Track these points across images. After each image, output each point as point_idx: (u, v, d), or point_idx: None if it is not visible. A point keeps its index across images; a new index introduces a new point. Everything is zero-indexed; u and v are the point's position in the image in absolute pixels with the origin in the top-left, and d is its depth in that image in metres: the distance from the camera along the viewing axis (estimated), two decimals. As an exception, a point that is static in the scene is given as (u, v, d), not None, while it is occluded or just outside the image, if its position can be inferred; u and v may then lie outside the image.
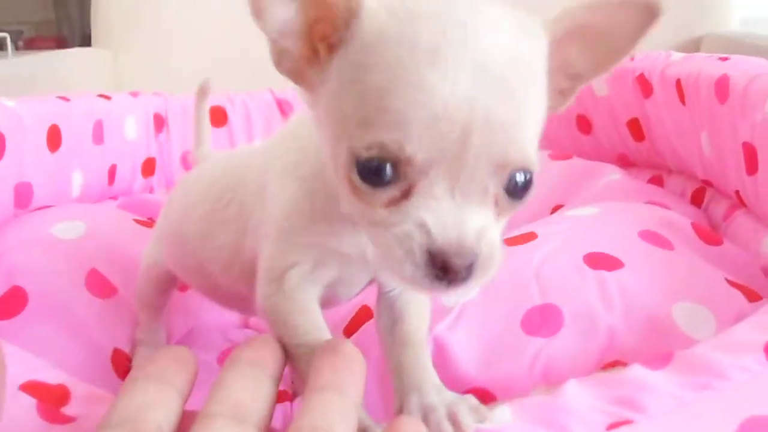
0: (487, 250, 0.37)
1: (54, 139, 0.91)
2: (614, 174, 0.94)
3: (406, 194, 0.36)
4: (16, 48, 2.55)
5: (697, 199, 0.92)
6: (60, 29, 3.64)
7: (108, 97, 1.06)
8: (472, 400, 0.44)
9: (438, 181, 0.36)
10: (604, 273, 0.61)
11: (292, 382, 0.66)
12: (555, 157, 1.01)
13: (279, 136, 0.54)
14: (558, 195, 0.91)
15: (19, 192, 0.85)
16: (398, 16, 0.37)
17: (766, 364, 0.43)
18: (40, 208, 0.89)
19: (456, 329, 0.58)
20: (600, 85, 1.05)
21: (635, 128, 1.01)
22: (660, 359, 0.45)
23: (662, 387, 0.43)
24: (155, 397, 0.38)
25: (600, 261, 0.63)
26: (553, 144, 1.10)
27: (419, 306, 0.51)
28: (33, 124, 0.87)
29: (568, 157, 1.01)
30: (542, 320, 0.58)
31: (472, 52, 0.35)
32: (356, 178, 0.37)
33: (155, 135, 1.16)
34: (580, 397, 0.43)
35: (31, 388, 0.46)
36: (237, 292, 0.57)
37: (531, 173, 0.38)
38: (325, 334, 0.46)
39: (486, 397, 0.53)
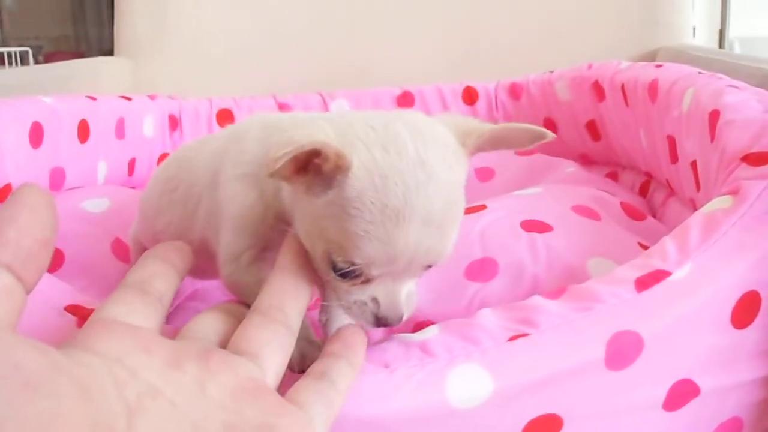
0: (410, 309, 0.53)
1: (83, 131, 1.05)
2: (570, 167, 1.06)
3: (366, 282, 0.51)
4: (36, 62, 2.63)
5: (643, 191, 1.04)
6: (78, 44, 3.77)
7: (129, 98, 1.20)
8: None
9: (387, 278, 0.50)
10: (535, 234, 0.74)
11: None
12: (519, 153, 1.13)
13: (232, 139, 0.62)
14: (518, 185, 1.02)
15: (54, 176, 0.98)
16: (374, 180, 0.47)
17: (634, 293, 0.54)
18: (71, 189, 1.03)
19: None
20: (563, 91, 1.18)
21: (593, 129, 1.14)
22: (556, 292, 0.57)
23: (553, 310, 0.54)
24: (160, 270, 0.49)
25: (534, 226, 0.75)
26: (523, 143, 1.23)
27: None
28: (66, 118, 1.00)
29: (531, 153, 1.13)
30: (481, 270, 0.71)
31: (422, 209, 0.47)
32: (330, 271, 0.50)
33: (170, 133, 1.29)
34: (490, 319, 0.54)
35: (71, 309, 0.55)
36: None
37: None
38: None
39: (431, 326, 0.66)
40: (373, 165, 0.47)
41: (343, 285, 0.51)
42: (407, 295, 0.52)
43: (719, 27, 1.82)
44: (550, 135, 0.54)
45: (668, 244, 0.58)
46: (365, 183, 0.47)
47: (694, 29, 1.58)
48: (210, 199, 0.62)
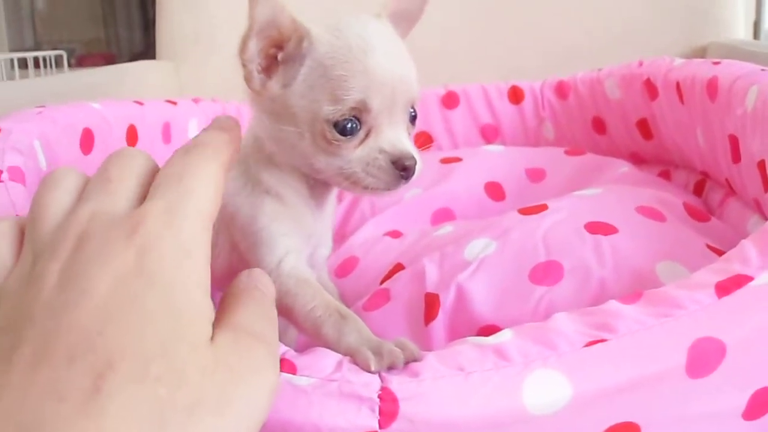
0: (417, 155, 0.59)
1: (132, 137, 1.05)
2: (623, 167, 1.04)
3: (367, 135, 0.57)
4: (69, 65, 2.69)
5: (698, 190, 1.02)
6: (109, 47, 3.81)
7: (174, 103, 1.20)
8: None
9: (382, 121, 0.57)
10: (600, 237, 0.73)
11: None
12: (570, 153, 1.11)
13: None
14: (571, 185, 1.00)
15: (104, 182, 0.99)
16: (336, 35, 0.58)
17: (714, 298, 0.52)
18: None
19: (474, 278, 0.70)
20: (613, 89, 1.16)
21: (644, 128, 1.12)
22: (632, 297, 0.55)
23: (631, 315, 0.52)
24: None
25: (598, 228, 0.74)
26: (571, 143, 1.22)
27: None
28: (115, 123, 1.01)
29: (582, 153, 1.11)
30: (546, 273, 0.70)
31: (378, 43, 0.58)
32: (335, 135, 0.57)
33: (214, 136, 1.29)
34: (566, 323, 0.53)
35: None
36: None
37: (415, 109, 0.62)
38: (328, 295, 0.60)
39: (496, 331, 0.64)
40: (327, 27, 0.59)
41: (350, 147, 0.58)
42: (411, 145, 0.60)
43: (754, 18, 1.78)
44: None
45: (748, 247, 0.56)
46: (327, 37, 0.58)
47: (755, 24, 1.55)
48: (227, 229, 0.65)
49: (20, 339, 0.35)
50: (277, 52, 0.59)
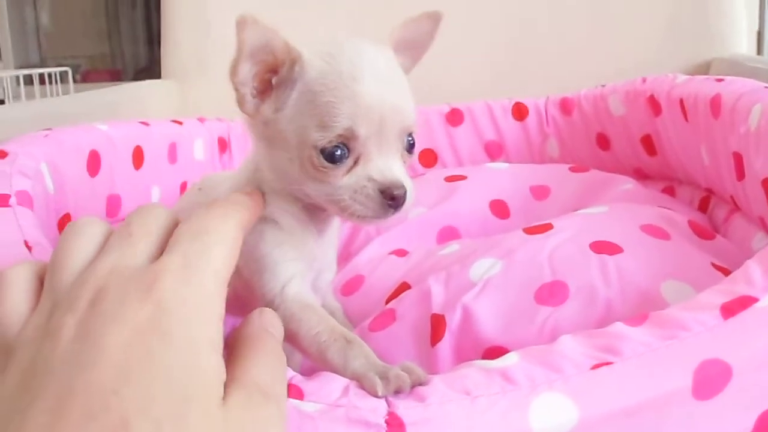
0: (409, 186, 0.58)
1: (138, 158, 1.05)
2: (628, 184, 1.04)
3: (356, 162, 0.57)
4: (74, 81, 2.70)
5: (703, 206, 1.02)
6: (114, 62, 3.81)
7: (180, 122, 1.21)
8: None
9: (372, 149, 0.56)
10: (605, 257, 0.73)
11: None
12: (574, 169, 1.11)
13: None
14: (576, 202, 1.01)
15: (111, 203, 0.99)
16: (325, 58, 0.58)
17: (720, 319, 0.52)
18: (126, 218, 1.03)
19: (480, 299, 0.70)
20: (617, 105, 1.16)
21: (648, 144, 1.12)
22: (638, 319, 0.55)
23: (637, 337, 0.52)
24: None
25: (603, 247, 0.74)
26: (575, 159, 1.22)
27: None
28: (121, 145, 1.02)
29: (586, 169, 1.11)
30: (551, 293, 0.70)
31: (371, 70, 0.57)
32: (323, 162, 0.56)
33: (219, 156, 1.29)
34: (572, 346, 0.53)
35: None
36: None
37: (413, 136, 0.61)
38: (333, 320, 0.60)
39: (503, 353, 0.64)
40: (319, 52, 0.58)
41: (338, 174, 0.57)
42: (403, 174, 0.59)
43: (757, 29, 1.79)
44: (441, 14, 0.65)
45: (753, 268, 0.56)
46: (319, 62, 0.57)
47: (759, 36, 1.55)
48: None
49: (37, 394, 0.36)
50: (272, 77, 0.59)
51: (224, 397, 0.39)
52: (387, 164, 0.58)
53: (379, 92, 0.56)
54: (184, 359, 0.38)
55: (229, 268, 0.44)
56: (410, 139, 0.61)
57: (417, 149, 1.25)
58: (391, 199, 0.57)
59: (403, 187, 0.57)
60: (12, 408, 0.36)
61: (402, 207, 0.58)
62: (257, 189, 0.59)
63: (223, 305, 0.42)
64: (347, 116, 0.55)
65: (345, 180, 0.57)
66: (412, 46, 0.65)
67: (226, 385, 0.40)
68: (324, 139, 0.56)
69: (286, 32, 0.58)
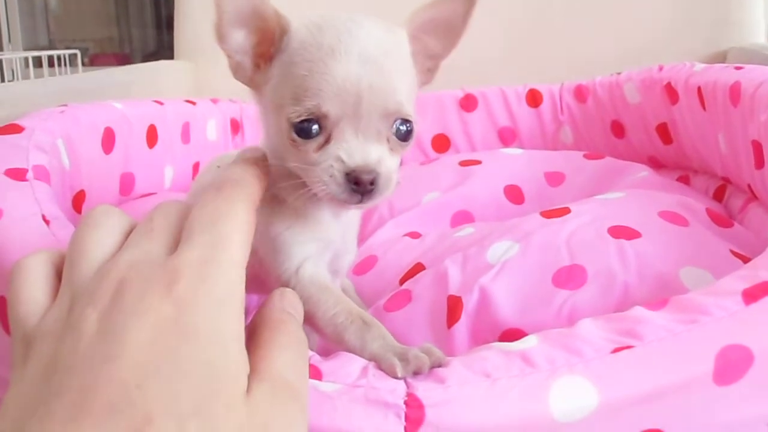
0: (385, 172, 0.54)
1: (152, 137, 1.05)
2: (643, 172, 1.03)
3: (327, 140, 0.54)
4: (82, 64, 2.70)
5: (718, 196, 1.02)
6: (122, 46, 3.83)
7: (194, 103, 1.21)
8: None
9: (346, 128, 0.54)
10: (623, 241, 0.72)
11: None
12: (589, 156, 1.11)
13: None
14: (591, 189, 1.00)
15: (124, 181, 0.99)
16: (311, 29, 0.55)
17: (742, 305, 0.52)
18: (140, 197, 1.03)
19: (497, 281, 0.70)
20: (632, 93, 1.16)
21: (664, 132, 1.11)
22: (658, 303, 0.55)
23: (657, 322, 0.52)
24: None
25: (621, 232, 0.74)
26: (589, 147, 1.22)
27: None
28: (136, 123, 1.01)
29: (601, 157, 1.11)
30: (569, 277, 0.69)
31: (357, 48, 0.54)
32: (294, 136, 0.54)
33: (232, 137, 1.29)
34: (592, 329, 0.53)
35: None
36: None
37: (410, 123, 0.56)
38: (350, 301, 0.59)
39: (520, 335, 0.63)
40: (309, 22, 0.56)
41: (308, 150, 0.54)
42: (379, 160, 0.54)
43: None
44: None
45: (774, 254, 0.56)
46: (304, 33, 0.55)
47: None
48: None
49: (60, 388, 0.36)
50: (270, 47, 0.57)
51: (248, 390, 0.39)
52: (361, 147, 0.54)
53: (356, 71, 0.53)
54: (207, 354, 0.38)
55: (246, 251, 0.44)
56: (404, 126, 0.56)
57: (429, 134, 1.27)
58: (356, 183, 0.53)
59: (372, 172, 0.54)
60: (35, 400, 0.36)
61: (373, 194, 0.54)
62: (261, 153, 0.56)
63: (243, 294, 0.42)
64: (316, 93, 0.53)
65: (316, 157, 0.54)
66: (443, 29, 0.60)
67: (249, 377, 0.40)
68: (294, 112, 0.53)
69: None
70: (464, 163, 1.10)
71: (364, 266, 0.87)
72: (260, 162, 0.53)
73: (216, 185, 0.47)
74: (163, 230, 0.44)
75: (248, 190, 0.48)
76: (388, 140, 0.56)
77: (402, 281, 0.79)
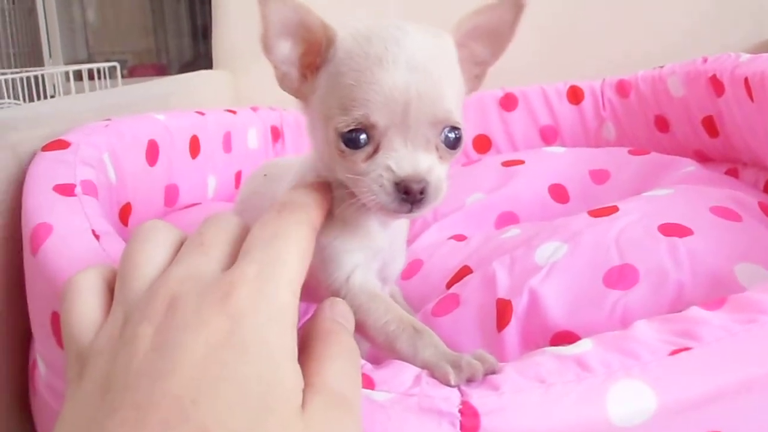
0: (435, 180, 0.54)
1: (194, 147, 1.06)
2: (690, 166, 1.01)
3: (376, 150, 0.54)
4: (122, 76, 2.75)
5: (768, 188, 1.00)
6: (159, 57, 3.89)
7: (234, 112, 1.22)
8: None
9: (394, 137, 0.53)
10: (675, 239, 0.71)
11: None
12: (634, 152, 1.09)
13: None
14: (637, 185, 0.99)
15: (169, 193, 1.00)
16: (357, 39, 0.55)
17: (804, 303, 0.51)
18: (184, 207, 1.04)
19: (547, 283, 0.69)
20: (676, 87, 1.14)
21: (710, 125, 1.09)
22: (715, 302, 0.54)
23: (716, 322, 0.51)
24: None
25: (672, 229, 0.73)
26: (632, 142, 1.20)
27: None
28: (178, 134, 1.02)
29: (646, 152, 1.09)
30: (620, 277, 0.68)
31: (404, 56, 0.53)
32: (342, 146, 0.54)
33: (273, 144, 1.30)
34: (648, 332, 0.52)
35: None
36: None
37: (459, 131, 0.56)
38: (400, 309, 0.58)
39: (571, 338, 0.63)
40: (355, 32, 0.55)
41: (357, 160, 0.54)
42: (429, 168, 0.54)
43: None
44: (524, 1, 0.57)
45: (836, 249, 0.55)
46: (351, 43, 0.54)
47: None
48: None
49: (115, 404, 0.36)
50: (317, 58, 0.57)
51: (303, 405, 0.39)
52: (410, 156, 0.53)
53: (404, 80, 0.52)
54: (261, 370, 0.38)
55: (302, 273, 0.44)
56: (452, 134, 0.55)
57: (470, 135, 1.26)
58: (405, 192, 0.53)
59: (422, 181, 0.53)
60: (90, 419, 0.36)
61: (423, 203, 0.54)
62: (323, 179, 0.57)
63: (297, 312, 0.42)
64: (364, 103, 0.52)
65: (364, 167, 0.54)
66: (491, 36, 0.59)
67: (303, 391, 0.40)
68: (342, 123, 0.53)
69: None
70: (507, 164, 1.09)
71: (409, 271, 0.87)
72: (322, 188, 0.54)
73: (278, 207, 0.48)
74: (214, 245, 0.45)
75: (310, 214, 0.49)
76: (436, 148, 0.55)
77: (449, 285, 0.79)
